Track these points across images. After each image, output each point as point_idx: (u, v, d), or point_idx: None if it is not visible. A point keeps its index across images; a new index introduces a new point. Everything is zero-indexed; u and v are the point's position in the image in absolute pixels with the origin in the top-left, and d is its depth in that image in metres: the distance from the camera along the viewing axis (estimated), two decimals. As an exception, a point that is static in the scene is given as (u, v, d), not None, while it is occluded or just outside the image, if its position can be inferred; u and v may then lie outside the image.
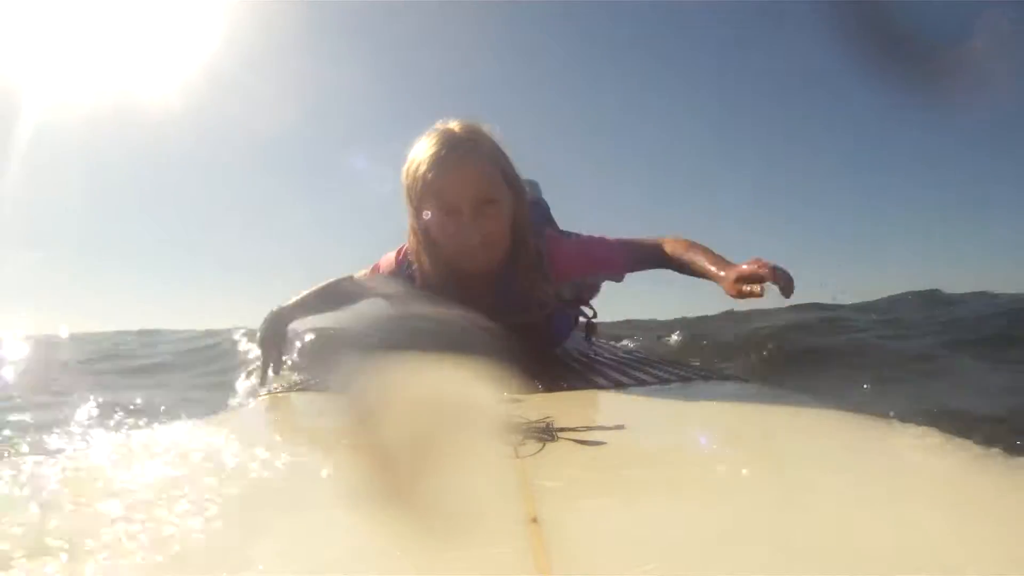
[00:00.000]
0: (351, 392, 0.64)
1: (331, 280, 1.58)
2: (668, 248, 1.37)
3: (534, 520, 0.52)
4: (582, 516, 0.56)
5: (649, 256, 1.43)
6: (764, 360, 4.07)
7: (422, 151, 1.24)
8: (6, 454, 1.82)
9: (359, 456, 0.61)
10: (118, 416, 2.51)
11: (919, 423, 0.81)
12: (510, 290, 1.34)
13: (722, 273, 1.17)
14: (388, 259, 1.49)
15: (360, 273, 1.58)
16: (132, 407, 2.75)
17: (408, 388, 0.68)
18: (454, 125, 1.26)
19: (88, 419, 2.50)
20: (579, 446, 0.76)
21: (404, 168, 1.28)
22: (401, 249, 1.47)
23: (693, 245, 1.33)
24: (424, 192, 1.24)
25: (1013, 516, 0.54)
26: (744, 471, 0.68)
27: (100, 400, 2.82)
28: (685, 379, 1.34)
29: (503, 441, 0.76)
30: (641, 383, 1.28)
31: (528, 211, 1.35)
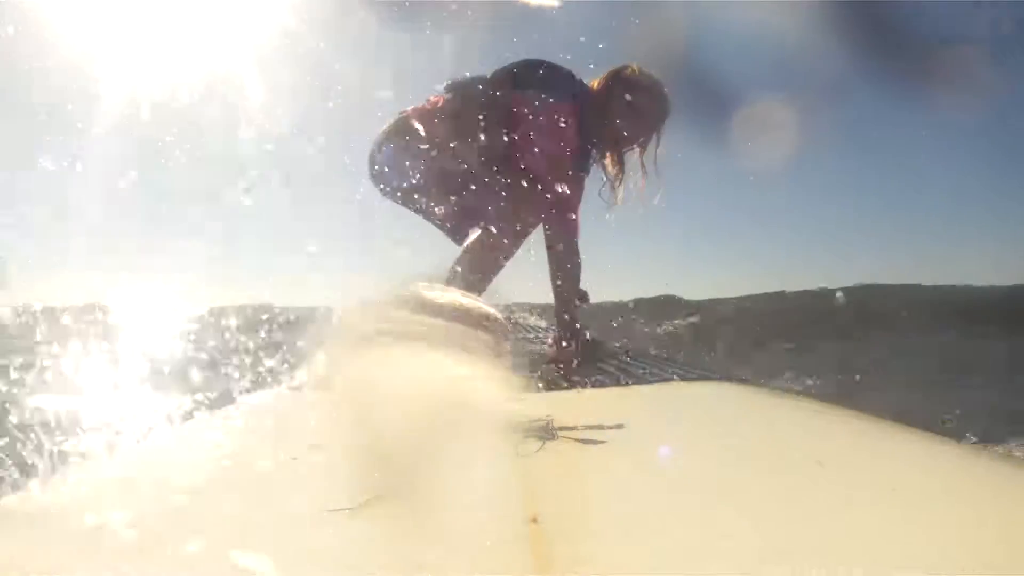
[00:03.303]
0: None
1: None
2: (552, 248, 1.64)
3: (534, 520, 0.53)
4: (582, 516, 0.56)
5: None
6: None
7: (648, 85, 1.65)
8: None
9: (360, 456, 0.61)
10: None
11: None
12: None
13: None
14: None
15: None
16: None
17: (411, 385, 0.68)
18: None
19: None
20: (579, 446, 0.76)
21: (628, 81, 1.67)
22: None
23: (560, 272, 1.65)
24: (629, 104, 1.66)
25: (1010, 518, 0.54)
26: (743, 471, 0.68)
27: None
28: (685, 378, 1.34)
29: (503, 440, 0.76)
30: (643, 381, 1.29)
31: None
